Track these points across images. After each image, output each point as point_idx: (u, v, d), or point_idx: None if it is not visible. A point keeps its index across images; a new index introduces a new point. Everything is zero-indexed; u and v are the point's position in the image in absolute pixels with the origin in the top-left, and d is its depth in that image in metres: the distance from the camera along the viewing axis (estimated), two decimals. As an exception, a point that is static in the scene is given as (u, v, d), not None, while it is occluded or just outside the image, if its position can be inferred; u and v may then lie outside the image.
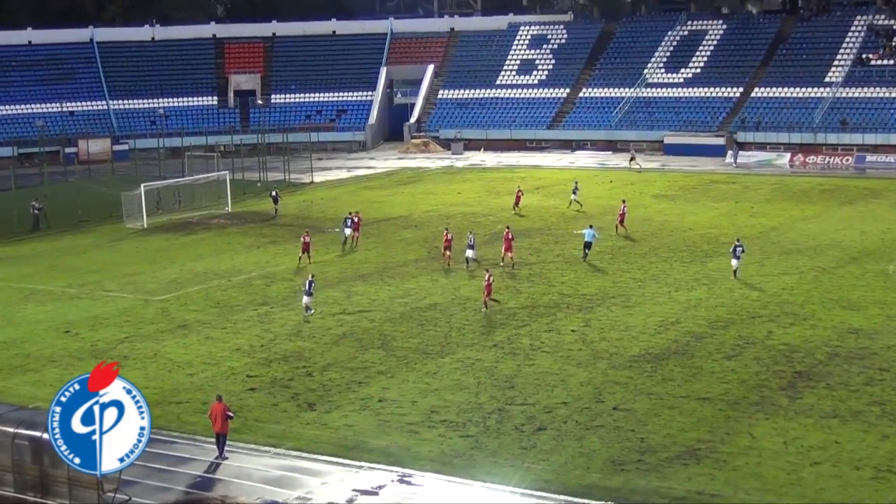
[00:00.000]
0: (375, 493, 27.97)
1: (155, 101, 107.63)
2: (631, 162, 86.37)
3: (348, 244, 57.71)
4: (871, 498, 27.02)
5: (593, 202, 69.34)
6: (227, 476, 29.46)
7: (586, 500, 27.16)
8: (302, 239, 54.90)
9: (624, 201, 62.07)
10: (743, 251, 49.70)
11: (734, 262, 49.34)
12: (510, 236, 52.64)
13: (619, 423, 31.87)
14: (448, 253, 52.95)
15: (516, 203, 67.96)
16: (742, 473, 28.32)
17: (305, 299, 44.47)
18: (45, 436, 26.21)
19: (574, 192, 68.58)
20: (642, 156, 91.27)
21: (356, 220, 58.59)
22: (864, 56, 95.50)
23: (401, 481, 28.58)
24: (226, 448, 30.49)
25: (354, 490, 28.16)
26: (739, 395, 33.99)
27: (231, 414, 30.46)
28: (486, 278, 44.84)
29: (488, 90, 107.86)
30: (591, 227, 54.70)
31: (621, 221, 59.72)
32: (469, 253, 51.93)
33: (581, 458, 29.57)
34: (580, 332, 41.27)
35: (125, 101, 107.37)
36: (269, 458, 30.42)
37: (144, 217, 66.84)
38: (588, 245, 53.69)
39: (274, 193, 71.59)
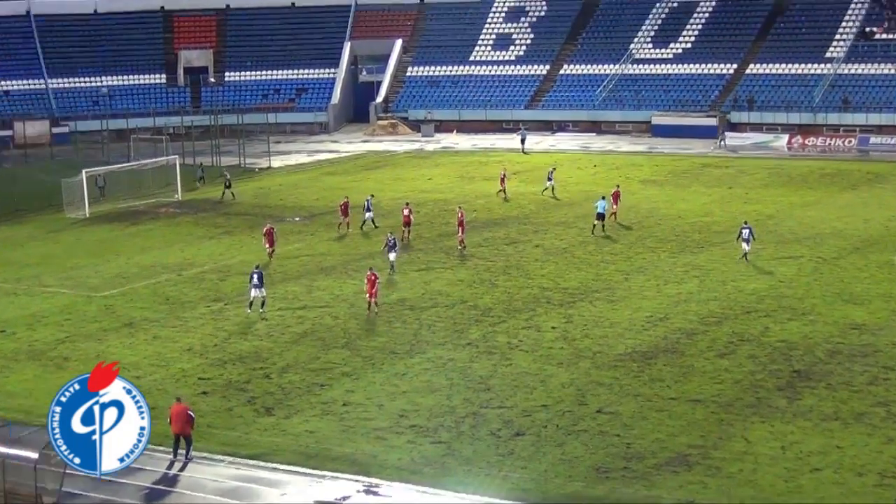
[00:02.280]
0: (340, 505, 28.02)
1: (98, 79, 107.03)
2: (523, 143, 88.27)
3: (366, 226, 59.78)
4: (875, 506, 27.23)
5: (573, 188, 69.55)
6: (179, 487, 29.41)
7: (568, 511, 27.28)
8: (264, 230, 54.34)
9: (618, 186, 62.58)
10: (751, 234, 50.74)
11: (745, 245, 50.38)
12: (462, 216, 54.86)
13: (604, 428, 31.95)
14: (406, 230, 56.17)
15: (501, 182, 69.29)
16: (736, 481, 28.45)
17: (254, 293, 44.33)
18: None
19: (549, 178, 68.87)
20: (628, 138, 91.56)
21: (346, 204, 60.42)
22: (867, 29, 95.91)
23: (367, 492, 28.59)
24: (189, 451, 30.70)
25: (317, 501, 28.17)
26: (733, 397, 34.14)
27: (192, 414, 30.63)
28: (370, 276, 44.00)
29: (461, 67, 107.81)
30: (603, 198, 57.59)
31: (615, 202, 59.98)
32: (391, 256, 50.53)
33: (562, 465, 29.63)
34: (561, 329, 41.36)
35: (65, 80, 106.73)
36: (223, 468, 30.36)
37: (87, 206, 66.53)
38: (601, 216, 56.72)
39: (223, 178, 71.70)
